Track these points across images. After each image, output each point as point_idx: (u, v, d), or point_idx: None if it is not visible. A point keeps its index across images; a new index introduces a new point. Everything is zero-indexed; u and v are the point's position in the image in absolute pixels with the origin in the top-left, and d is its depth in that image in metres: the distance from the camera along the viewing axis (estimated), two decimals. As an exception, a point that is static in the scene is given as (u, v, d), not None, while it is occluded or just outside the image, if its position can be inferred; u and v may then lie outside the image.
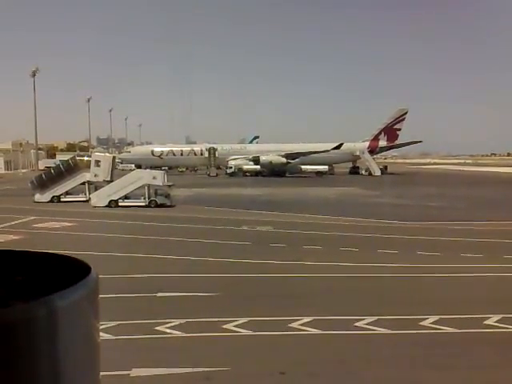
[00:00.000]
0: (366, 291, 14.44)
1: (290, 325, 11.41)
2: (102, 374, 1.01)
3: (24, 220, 29.09)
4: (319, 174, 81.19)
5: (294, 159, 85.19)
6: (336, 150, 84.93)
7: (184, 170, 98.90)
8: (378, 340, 10.80)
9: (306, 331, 11.11)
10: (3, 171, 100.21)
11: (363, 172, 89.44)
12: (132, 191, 37.42)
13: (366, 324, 11.47)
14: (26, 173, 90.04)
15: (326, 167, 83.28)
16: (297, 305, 12.98)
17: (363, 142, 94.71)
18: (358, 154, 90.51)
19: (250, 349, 10.33)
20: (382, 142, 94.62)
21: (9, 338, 1.16)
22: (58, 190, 40.41)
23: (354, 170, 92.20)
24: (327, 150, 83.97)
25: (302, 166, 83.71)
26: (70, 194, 41.05)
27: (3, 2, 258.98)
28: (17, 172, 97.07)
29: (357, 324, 11.47)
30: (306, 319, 11.70)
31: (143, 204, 36.72)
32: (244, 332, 11.03)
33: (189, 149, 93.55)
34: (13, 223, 27.75)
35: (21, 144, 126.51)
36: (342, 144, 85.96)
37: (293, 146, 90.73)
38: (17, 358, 1.20)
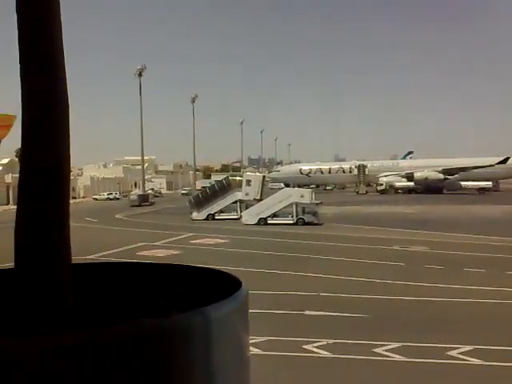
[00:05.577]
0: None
1: (448, 353, 10.62)
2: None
3: (182, 236, 31.33)
4: (482, 190, 75.25)
5: (452, 175, 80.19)
6: (502, 165, 78.05)
7: (332, 187, 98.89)
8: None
9: (465, 361, 10.25)
10: (165, 191, 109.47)
11: None
12: (280, 209, 38.32)
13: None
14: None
15: (490, 183, 76.86)
16: (455, 331, 12.05)
17: None
18: None
19: (402, 375, 9.82)
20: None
21: (169, 344, 1.22)
22: (213, 208, 42.88)
23: None
24: (491, 165, 77.58)
25: (462, 183, 78.47)
26: (223, 212, 43.32)
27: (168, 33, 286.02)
28: (177, 192, 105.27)
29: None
30: (467, 348, 10.80)
31: (291, 222, 37.28)
32: (397, 357, 10.52)
33: (337, 166, 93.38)
34: (173, 239, 30.10)
35: (181, 166, 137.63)
36: (508, 158, 78.70)
37: (451, 160, 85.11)
38: (176, 363, 1.26)
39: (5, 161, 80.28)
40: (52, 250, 1.57)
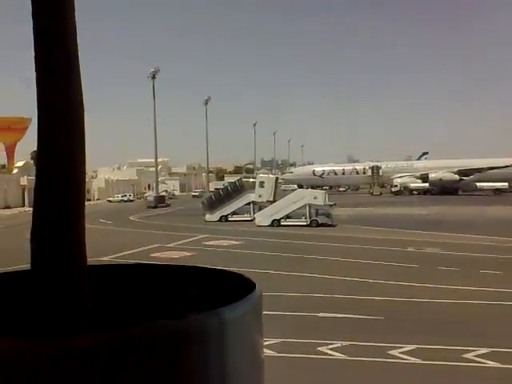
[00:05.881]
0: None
1: (464, 355, 10.49)
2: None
3: (196, 238, 31.44)
4: (498, 191, 74.55)
5: (467, 176, 79.56)
6: None
7: (345, 189, 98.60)
8: None
9: (482, 364, 10.12)
10: (178, 193, 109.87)
11: None
12: (294, 211, 38.25)
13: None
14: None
15: (506, 184, 76.16)
16: (471, 334, 11.90)
17: None
18: None
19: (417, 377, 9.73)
20: None
21: (184, 345, 1.22)
22: (226, 210, 42.98)
23: None
24: (507, 166, 76.82)
25: (478, 184, 77.80)
26: (237, 214, 43.36)
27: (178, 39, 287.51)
28: (190, 194, 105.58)
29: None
30: (483, 350, 10.65)
31: (304, 223, 37.19)
32: (411, 359, 10.42)
33: (350, 168, 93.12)
34: (186, 241, 30.21)
35: (194, 168, 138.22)
36: None
37: (466, 161, 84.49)
38: (190, 364, 1.26)
39: (20, 163, 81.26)
40: (67, 251, 1.57)
